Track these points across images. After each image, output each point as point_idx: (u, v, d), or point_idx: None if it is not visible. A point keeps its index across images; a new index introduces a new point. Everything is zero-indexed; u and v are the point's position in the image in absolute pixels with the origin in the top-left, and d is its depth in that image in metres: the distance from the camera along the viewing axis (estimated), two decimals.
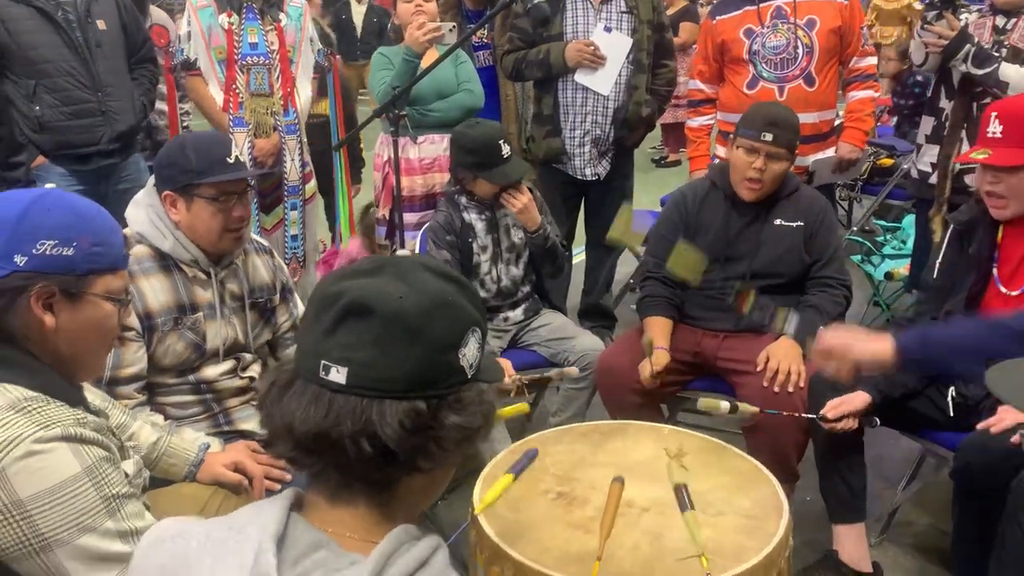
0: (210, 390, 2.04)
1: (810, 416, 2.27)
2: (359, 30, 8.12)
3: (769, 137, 2.49)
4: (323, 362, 0.82)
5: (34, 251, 1.22)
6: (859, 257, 4.24)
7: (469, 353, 0.87)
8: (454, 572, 0.84)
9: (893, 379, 2.25)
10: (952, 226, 2.32)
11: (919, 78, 5.23)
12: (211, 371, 2.03)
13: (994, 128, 2.11)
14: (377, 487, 0.86)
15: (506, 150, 2.70)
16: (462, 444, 0.87)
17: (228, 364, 2.06)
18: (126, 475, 1.29)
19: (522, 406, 2.14)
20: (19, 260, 1.21)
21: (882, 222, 4.76)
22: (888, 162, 5.11)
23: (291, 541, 0.81)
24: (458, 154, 2.78)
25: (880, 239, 4.44)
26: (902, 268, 4.04)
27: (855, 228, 5.10)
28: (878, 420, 2.28)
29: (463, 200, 2.81)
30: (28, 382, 1.21)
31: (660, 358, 2.50)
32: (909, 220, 4.35)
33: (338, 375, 0.82)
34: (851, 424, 2.23)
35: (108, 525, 1.18)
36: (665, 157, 8.17)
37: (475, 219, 2.81)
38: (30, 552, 1.14)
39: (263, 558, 0.77)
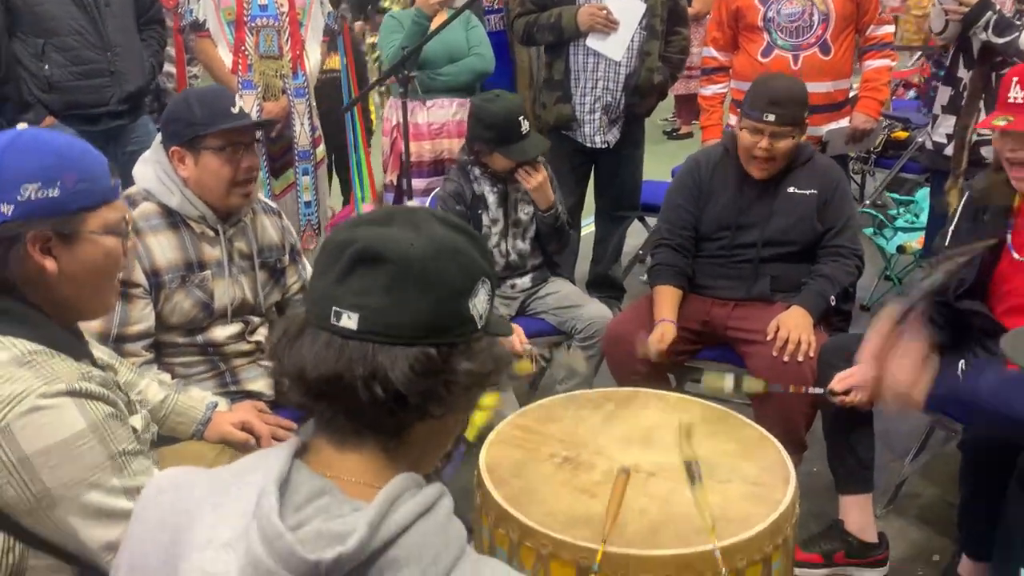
0: (217, 352, 2.04)
1: (817, 391, 2.25)
2: None
3: (772, 117, 2.46)
4: (334, 308, 0.82)
5: (19, 198, 1.18)
6: (871, 230, 4.21)
7: (479, 303, 0.87)
8: (457, 520, 0.84)
9: None
10: (967, 194, 2.29)
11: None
12: (219, 333, 2.03)
13: (1015, 93, 2.07)
14: (387, 433, 0.86)
15: (525, 126, 2.67)
16: (472, 389, 0.87)
17: (236, 327, 2.06)
18: (134, 430, 1.28)
19: (525, 364, 2.13)
20: (5, 209, 1.18)
21: (895, 195, 4.71)
22: (903, 135, 5.05)
23: (294, 487, 0.81)
24: (476, 127, 2.74)
25: (893, 212, 4.40)
26: (915, 241, 4.00)
27: (867, 201, 5.05)
28: None
29: (476, 171, 2.79)
30: (32, 335, 1.19)
31: (666, 332, 2.48)
32: (923, 194, 4.30)
33: (349, 321, 0.82)
34: (862, 397, 2.21)
35: (114, 482, 1.18)
36: (677, 129, 8.09)
37: (487, 191, 2.78)
38: (36, 508, 1.13)
39: (264, 500, 0.77)
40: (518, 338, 2.58)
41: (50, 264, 1.22)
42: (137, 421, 1.32)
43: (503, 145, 2.67)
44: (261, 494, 0.78)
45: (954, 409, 1.76)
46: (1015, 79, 2.09)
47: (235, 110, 1.94)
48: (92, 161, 1.28)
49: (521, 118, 2.66)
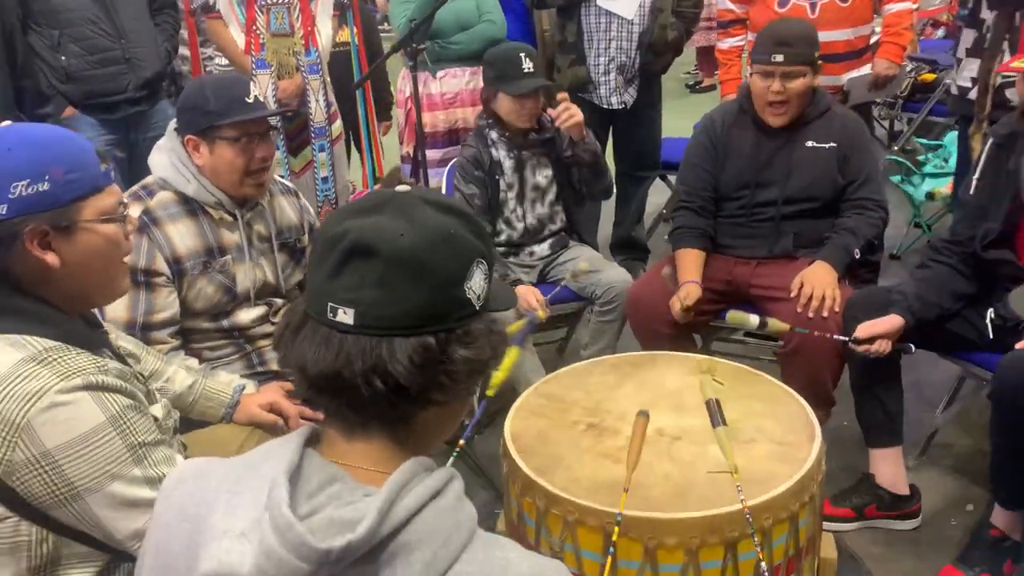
0: (243, 335, 2.07)
1: (841, 339, 2.24)
2: None
3: (780, 58, 2.42)
4: (330, 304, 0.83)
5: (10, 196, 1.19)
6: (899, 177, 4.13)
7: (475, 285, 0.87)
8: (468, 502, 0.85)
9: (927, 300, 2.21)
10: (991, 140, 2.23)
11: None
12: (244, 316, 2.06)
13: None
14: (393, 423, 0.87)
15: (528, 65, 2.65)
16: (473, 376, 0.88)
17: (260, 310, 2.09)
18: (155, 419, 1.31)
19: (514, 352, 2.14)
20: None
21: (923, 140, 4.61)
22: (930, 77, 4.93)
23: (305, 476, 0.83)
24: (484, 72, 2.79)
25: (921, 158, 4.31)
26: (944, 187, 3.93)
27: (896, 147, 4.96)
28: (913, 347, 2.23)
29: (493, 135, 2.78)
30: (47, 331, 1.21)
31: (691, 292, 2.47)
32: (951, 137, 4.21)
33: (345, 316, 0.82)
34: (884, 346, 2.19)
35: (135, 472, 1.21)
36: (700, 82, 7.97)
37: (504, 156, 2.78)
38: (62, 500, 1.17)
39: (276, 492, 0.79)
40: (533, 295, 2.59)
41: (52, 258, 1.23)
42: (158, 410, 1.35)
43: (503, 82, 2.67)
44: (272, 485, 0.80)
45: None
46: None
47: (250, 99, 1.94)
48: (78, 150, 1.27)
49: (523, 55, 2.65)
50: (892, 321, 2.18)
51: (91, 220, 1.27)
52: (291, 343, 0.86)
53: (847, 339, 2.21)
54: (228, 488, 0.84)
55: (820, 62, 2.53)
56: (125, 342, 1.62)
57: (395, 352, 0.82)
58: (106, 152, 1.37)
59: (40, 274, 1.24)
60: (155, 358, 1.79)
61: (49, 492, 1.16)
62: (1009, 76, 2.76)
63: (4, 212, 1.19)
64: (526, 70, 2.65)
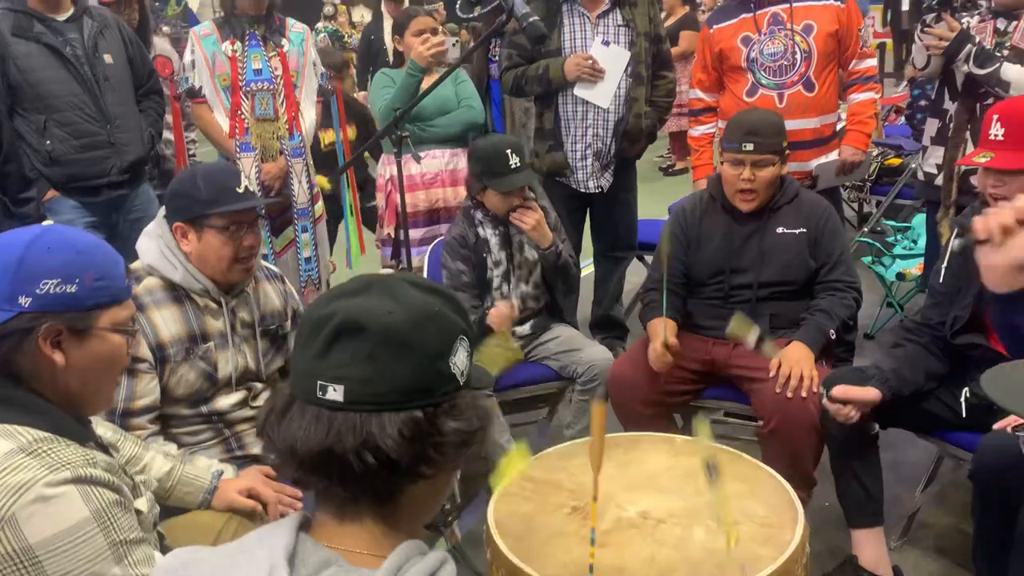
0: (221, 420, 2.05)
1: (819, 392, 2.28)
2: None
3: (750, 147, 2.50)
4: (319, 382, 0.85)
5: (38, 291, 1.22)
6: (869, 259, 4.23)
7: (459, 361, 0.90)
8: None
9: (904, 376, 2.24)
10: (956, 230, 2.30)
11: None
12: (223, 402, 2.05)
13: (996, 131, 2.09)
14: (382, 499, 0.88)
15: (514, 161, 2.70)
16: (461, 448, 0.90)
17: (239, 395, 2.08)
18: (138, 512, 1.29)
19: (516, 352, 2.15)
20: (23, 301, 1.22)
21: (892, 222, 4.74)
22: (896, 161, 5.09)
23: (301, 560, 0.83)
24: (470, 163, 2.84)
25: (891, 239, 4.42)
26: (914, 268, 4.02)
27: (866, 229, 5.08)
28: (877, 426, 2.26)
29: (478, 215, 2.83)
30: (37, 423, 1.21)
31: (668, 325, 2.50)
32: (920, 219, 4.33)
33: (335, 393, 0.84)
34: (852, 414, 2.21)
35: (115, 571, 1.19)
36: (672, 165, 8.17)
37: (490, 234, 2.82)
38: None
39: (276, 574, 0.79)
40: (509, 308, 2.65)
41: (59, 358, 1.25)
42: (142, 503, 1.34)
43: (491, 178, 2.72)
44: (272, 568, 0.80)
45: None
46: (995, 117, 2.11)
47: (240, 189, 1.97)
48: (112, 262, 1.33)
49: (510, 151, 2.70)
50: (868, 392, 2.21)
51: (104, 328, 1.30)
52: (277, 426, 0.87)
53: (824, 392, 2.25)
54: (222, 574, 0.83)
55: (788, 151, 2.62)
56: (104, 429, 1.60)
57: (385, 427, 0.84)
58: None
59: (41, 370, 1.25)
60: (133, 444, 1.77)
61: None
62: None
63: (27, 305, 1.22)
64: (513, 166, 2.70)
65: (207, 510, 1.85)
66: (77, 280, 1.25)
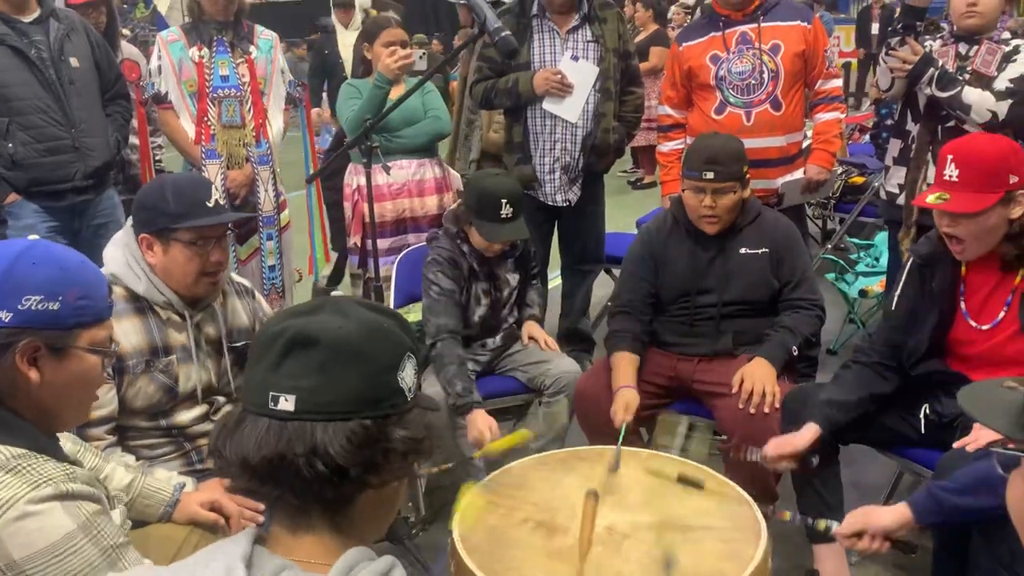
0: (181, 434, 2.03)
1: (753, 459, 2.25)
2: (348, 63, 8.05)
3: (710, 175, 2.52)
4: (271, 393, 0.88)
5: (19, 307, 1.20)
6: (833, 275, 4.29)
7: (407, 376, 0.94)
8: None
9: (846, 405, 2.26)
10: (912, 259, 2.30)
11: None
12: (184, 416, 2.02)
13: (950, 171, 2.08)
14: (333, 507, 0.90)
15: (506, 211, 2.66)
16: (408, 456, 0.93)
17: (201, 409, 2.05)
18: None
19: (523, 432, 2.15)
20: (4, 316, 1.20)
21: (855, 240, 4.81)
22: (860, 180, 5.18)
23: (257, 567, 0.86)
24: (465, 193, 2.81)
25: (854, 256, 4.49)
26: (876, 285, 4.09)
27: (829, 246, 5.16)
28: (816, 460, 2.27)
29: (464, 248, 2.79)
30: (15, 440, 1.19)
31: (630, 402, 2.47)
32: (882, 237, 4.40)
33: (287, 403, 0.87)
34: (790, 465, 2.24)
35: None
36: (641, 179, 8.24)
37: (477, 268, 2.81)
38: None
39: (234, 574, 0.82)
40: (487, 424, 2.55)
41: (34, 375, 1.23)
42: (116, 516, 1.33)
43: (479, 219, 2.70)
44: (228, 570, 0.82)
45: (944, 519, 1.92)
46: (950, 156, 2.10)
47: (210, 203, 1.94)
48: (96, 282, 1.31)
49: (504, 201, 2.66)
50: (803, 437, 2.22)
51: (82, 348, 1.28)
52: (229, 440, 0.89)
53: (757, 459, 2.24)
54: None
55: (749, 176, 2.64)
56: (64, 439, 1.57)
57: (334, 435, 0.86)
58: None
59: (17, 387, 1.23)
60: (93, 456, 1.74)
61: None
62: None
63: (7, 320, 1.20)
64: (503, 216, 2.67)
65: (168, 523, 1.82)
66: (60, 298, 1.23)
